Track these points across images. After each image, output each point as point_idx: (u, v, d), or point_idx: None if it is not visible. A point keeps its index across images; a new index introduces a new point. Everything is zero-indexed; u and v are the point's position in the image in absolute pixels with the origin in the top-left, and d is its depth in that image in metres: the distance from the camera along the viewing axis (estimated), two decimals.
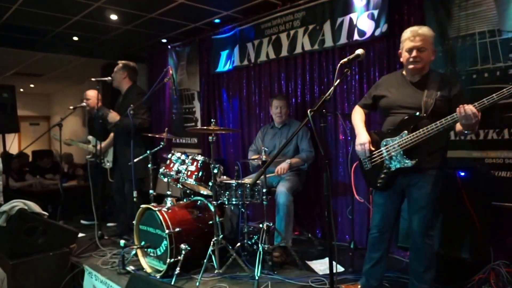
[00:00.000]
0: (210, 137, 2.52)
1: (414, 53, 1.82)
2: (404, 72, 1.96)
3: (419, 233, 1.86)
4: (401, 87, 1.92)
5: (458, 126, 1.74)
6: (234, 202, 2.62)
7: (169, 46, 4.79)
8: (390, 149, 1.86)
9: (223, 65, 4.15)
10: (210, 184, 2.59)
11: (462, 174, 2.23)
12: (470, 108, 1.61)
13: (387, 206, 1.98)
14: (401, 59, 1.94)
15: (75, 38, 4.53)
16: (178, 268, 2.37)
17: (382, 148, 1.90)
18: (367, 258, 2.07)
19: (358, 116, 2.08)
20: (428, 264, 1.88)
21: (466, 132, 1.71)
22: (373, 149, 1.93)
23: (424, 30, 1.84)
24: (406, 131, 1.81)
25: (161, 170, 2.81)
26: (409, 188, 1.89)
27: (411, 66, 1.86)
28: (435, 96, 1.80)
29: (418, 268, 1.89)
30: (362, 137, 1.95)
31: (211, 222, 2.65)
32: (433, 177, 1.84)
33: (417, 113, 1.81)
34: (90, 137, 3.85)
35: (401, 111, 1.88)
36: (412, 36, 1.83)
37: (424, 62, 1.85)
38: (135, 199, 2.98)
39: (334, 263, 1.53)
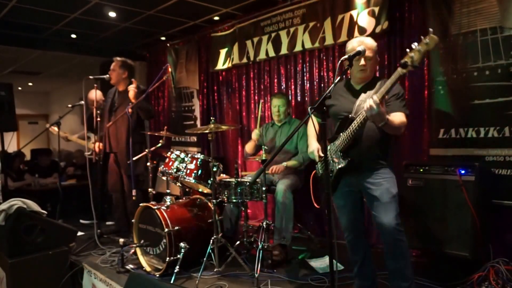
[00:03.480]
0: (209, 135, 2.51)
1: (362, 62, 1.88)
2: (351, 80, 2.02)
3: (392, 230, 1.82)
4: (346, 94, 2.00)
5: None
6: (233, 200, 2.62)
7: (168, 44, 4.77)
8: (332, 152, 1.95)
9: (222, 63, 4.13)
10: (210, 182, 2.58)
11: (463, 171, 2.22)
12: (370, 104, 1.65)
13: (349, 206, 2.02)
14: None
15: (73, 36, 4.50)
16: (177, 267, 2.36)
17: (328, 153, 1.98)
18: (352, 261, 2.08)
19: (311, 125, 2.17)
20: (406, 261, 1.85)
21: (380, 125, 1.74)
22: (322, 155, 1.98)
23: (370, 40, 1.93)
24: (341, 133, 1.90)
25: (160, 168, 2.80)
26: (368, 187, 1.91)
27: (359, 76, 1.93)
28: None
29: (397, 267, 1.86)
30: (311, 146, 2.07)
31: (210, 220, 2.64)
32: (387, 174, 1.90)
33: (349, 115, 1.87)
34: (90, 134, 3.82)
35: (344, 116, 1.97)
36: (359, 46, 1.87)
37: (371, 70, 1.94)
38: (134, 198, 2.97)
39: (334, 261, 1.52)
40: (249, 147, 3.15)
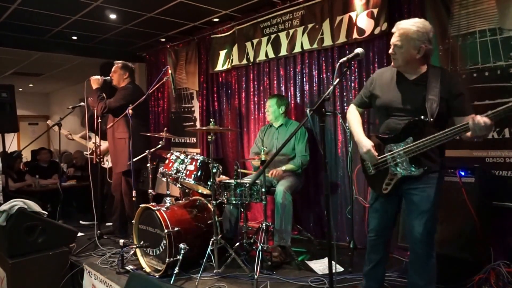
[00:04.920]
0: (209, 137, 2.51)
1: (390, 50, 1.73)
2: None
3: (420, 240, 1.72)
4: (398, 85, 1.78)
5: (467, 134, 1.63)
6: (233, 202, 2.62)
7: (167, 46, 4.78)
8: (395, 156, 1.74)
9: (222, 64, 4.14)
10: (209, 183, 2.58)
11: (463, 173, 2.22)
12: (484, 121, 1.50)
13: (385, 213, 1.89)
14: None
15: (74, 37, 4.52)
16: (177, 268, 2.37)
17: (386, 154, 1.78)
18: (367, 260, 1.99)
19: (355, 119, 1.95)
20: (429, 278, 1.74)
21: (475, 139, 1.65)
22: (376, 153, 1.81)
23: (405, 24, 1.69)
24: (411, 137, 1.70)
25: (160, 169, 2.81)
26: (410, 192, 1.78)
27: (392, 64, 1.77)
28: (439, 99, 1.66)
29: (418, 281, 1.76)
30: (366, 144, 1.81)
31: (210, 221, 2.64)
32: (435, 180, 1.74)
33: (422, 117, 1.67)
34: (91, 134, 3.83)
35: (399, 114, 1.75)
36: (393, 31, 1.72)
37: (403, 60, 1.71)
38: (134, 198, 2.98)
39: (333, 263, 1.52)
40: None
